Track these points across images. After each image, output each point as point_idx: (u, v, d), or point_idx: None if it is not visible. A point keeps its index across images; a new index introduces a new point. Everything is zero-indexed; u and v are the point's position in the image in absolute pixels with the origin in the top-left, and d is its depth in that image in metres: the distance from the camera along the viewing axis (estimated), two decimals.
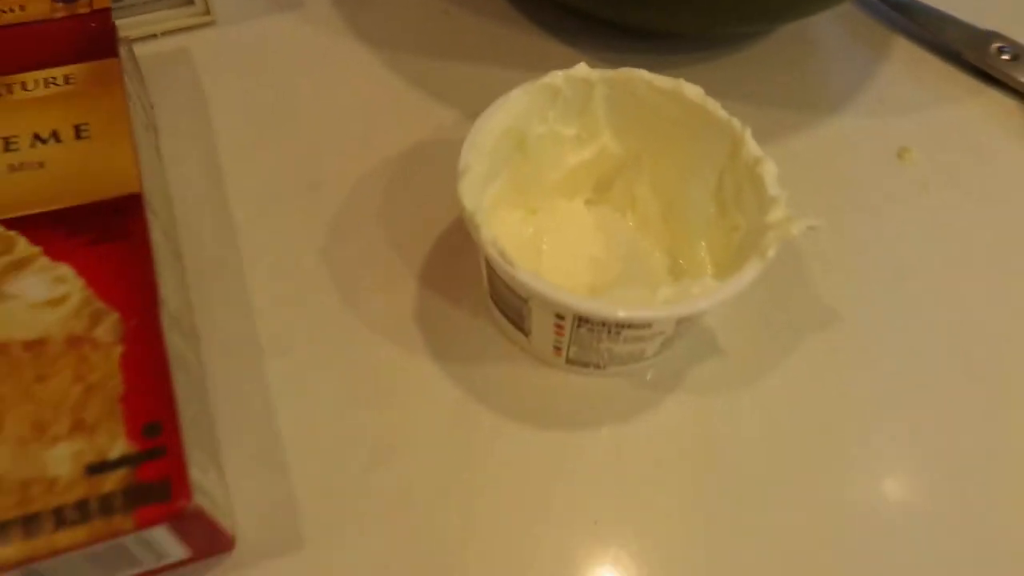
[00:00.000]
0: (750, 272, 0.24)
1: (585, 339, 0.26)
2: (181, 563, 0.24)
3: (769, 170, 0.27)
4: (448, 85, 0.37)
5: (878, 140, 0.37)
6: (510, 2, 0.41)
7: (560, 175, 0.31)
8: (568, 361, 0.28)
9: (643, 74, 0.29)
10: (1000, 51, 0.39)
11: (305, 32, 0.39)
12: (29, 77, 0.29)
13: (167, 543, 0.22)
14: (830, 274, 0.32)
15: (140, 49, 0.37)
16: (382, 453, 0.27)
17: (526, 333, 0.28)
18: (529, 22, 0.40)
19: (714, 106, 0.29)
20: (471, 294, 0.31)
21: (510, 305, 0.27)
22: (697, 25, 0.36)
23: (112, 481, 0.21)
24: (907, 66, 0.40)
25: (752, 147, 0.27)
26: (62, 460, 0.21)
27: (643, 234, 0.31)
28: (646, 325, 0.25)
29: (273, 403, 0.28)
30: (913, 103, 0.38)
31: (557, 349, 0.28)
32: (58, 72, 0.29)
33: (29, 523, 0.20)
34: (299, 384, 0.28)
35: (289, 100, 0.36)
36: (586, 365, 0.28)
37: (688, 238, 0.30)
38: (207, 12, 0.38)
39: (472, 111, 0.36)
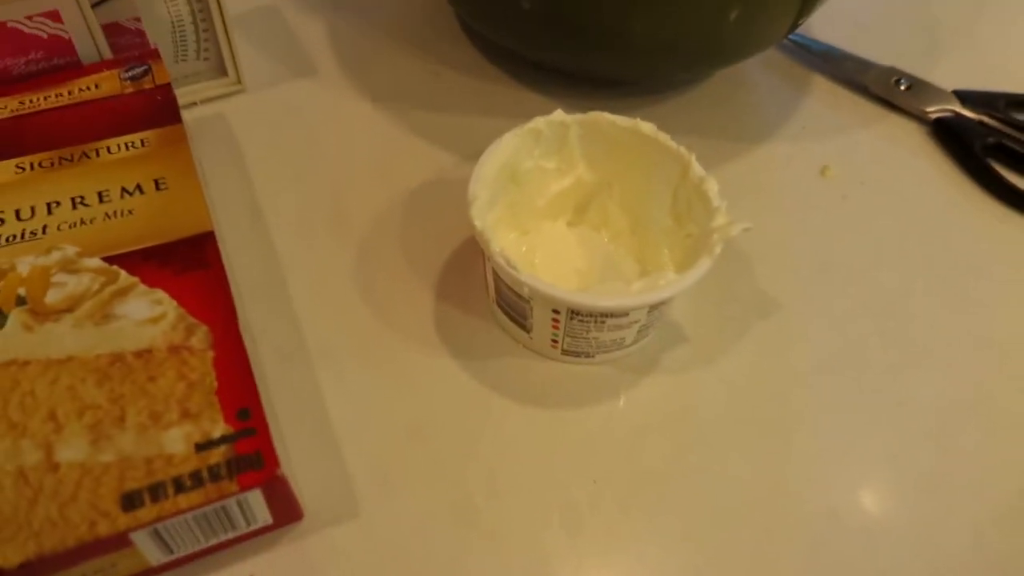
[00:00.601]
0: (703, 266, 0.31)
1: (577, 330, 0.33)
2: (264, 529, 0.30)
3: (712, 186, 0.34)
4: (443, 133, 0.44)
5: (803, 160, 0.44)
6: (490, 61, 0.48)
7: (545, 201, 0.38)
8: (564, 352, 0.34)
9: (607, 116, 0.36)
10: (898, 83, 0.47)
11: (321, 94, 0.46)
12: (112, 143, 0.35)
13: (258, 508, 0.28)
14: (770, 271, 0.39)
15: (184, 115, 0.44)
16: (416, 434, 0.33)
17: (528, 330, 0.34)
18: (507, 77, 0.47)
19: (665, 138, 0.35)
20: (478, 303, 0.37)
21: (514, 307, 0.34)
22: (645, 70, 0.43)
23: (217, 455, 0.27)
24: (824, 99, 0.48)
25: (697, 169, 0.34)
26: (176, 440, 0.27)
27: (616, 246, 0.38)
28: (625, 313, 0.31)
29: (323, 397, 0.34)
30: (831, 129, 0.46)
31: (554, 342, 0.34)
32: (135, 137, 0.36)
33: (155, 490, 0.26)
34: (343, 381, 0.34)
35: (312, 150, 0.43)
36: (578, 355, 0.34)
37: (652, 246, 0.37)
38: (238, 82, 0.45)
39: (467, 154, 0.43)
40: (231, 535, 0.29)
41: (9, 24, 0.38)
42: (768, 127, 0.46)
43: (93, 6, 0.39)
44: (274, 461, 0.27)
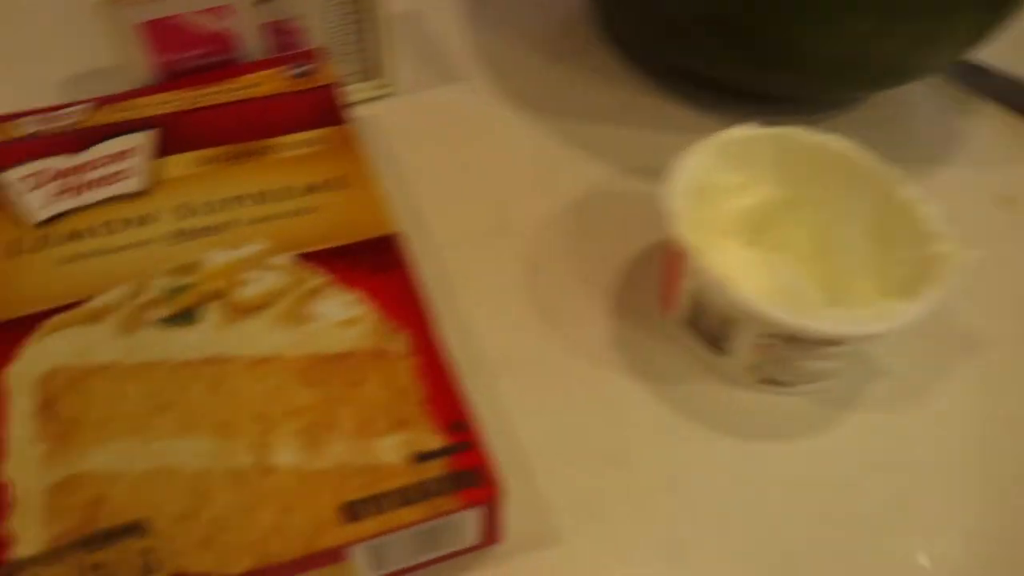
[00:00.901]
0: (933, 295, 0.29)
1: (786, 357, 0.31)
2: (467, 550, 0.28)
3: (929, 209, 0.32)
4: (598, 145, 0.43)
5: (977, 189, 0.42)
6: (634, 73, 0.47)
7: (725, 218, 0.36)
8: (761, 380, 0.33)
9: (799, 131, 0.35)
10: None
11: (470, 101, 0.45)
12: (286, 140, 0.34)
13: (469, 527, 0.26)
14: (965, 304, 0.37)
15: None
16: (611, 460, 0.31)
17: (723, 354, 0.32)
18: (655, 89, 0.46)
19: (862, 156, 0.34)
20: (656, 322, 0.35)
21: (712, 328, 0.32)
22: (813, 89, 0.41)
23: (435, 468, 0.25)
24: (995, 126, 0.46)
25: (909, 189, 0.32)
26: (390, 450, 0.26)
27: (798, 270, 0.36)
28: (843, 342, 0.29)
29: (509, 413, 0.32)
30: (1006, 159, 0.44)
31: (752, 368, 0.32)
32: (308, 136, 0.34)
33: (377, 502, 0.25)
34: (527, 399, 0.33)
35: (468, 157, 0.42)
36: (776, 384, 0.33)
37: (842, 272, 0.35)
38: (390, 84, 0.44)
39: (625, 167, 0.42)
40: (436, 554, 0.27)
41: (179, 18, 0.37)
42: (934, 153, 0.44)
43: (257, 3, 0.38)
44: (494, 479, 0.25)
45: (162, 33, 0.37)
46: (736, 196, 0.36)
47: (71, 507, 0.24)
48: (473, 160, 0.42)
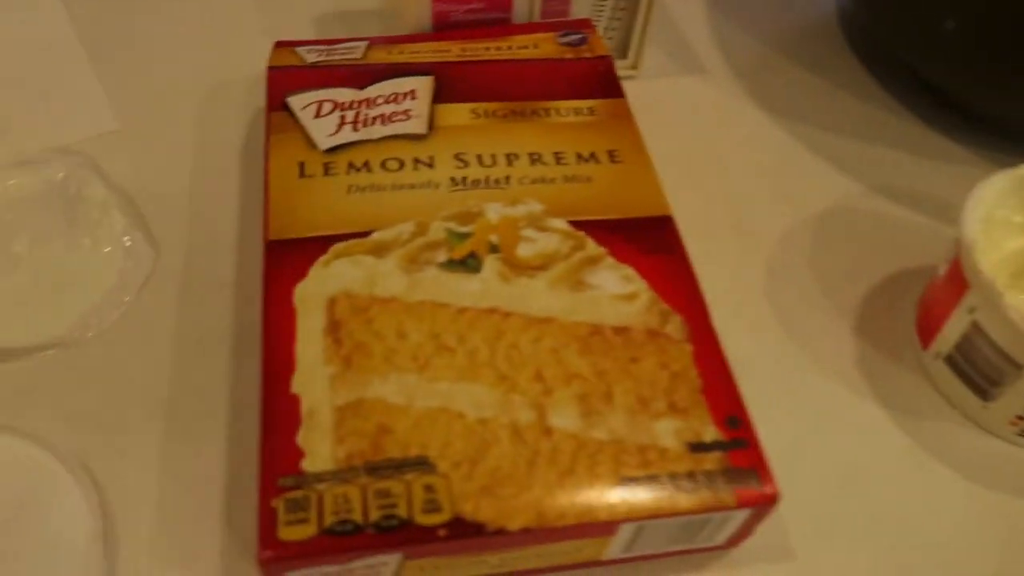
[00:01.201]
0: None
1: None
2: (707, 549, 0.27)
3: None
4: (843, 158, 0.41)
5: None
6: (883, 88, 0.45)
7: (994, 258, 0.34)
8: (1022, 434, 0.31)
9: None
10: None
11: (712, 95, 0.43)
12: (561, 105, 0.34)
13: (729, 526, 0.25)
14: None
15: None
16: (850, 484, 0.30)
17: (987, 398, 0.31)
18: (903, 108, 0.44)
19: None
20: (906, 351, 0.34)
21: (980, 369, 0.30)
22: None
23: (711, 461, 0.25)
24: None
25: None
26: (667, 434, 0.25)
27: None
28: None
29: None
30: None
31: (1019, 420, 0.30)
32: (583, 104, 0.34)
33: (653, 483, 0.24)
34: (763, 405, 0.32)
35: (707, 151, 0.41)
36: None
37: None
38: (635, 67, 0.43)
39: (872, 184, 0.40)
40: (685, 547, 0.26)
41: None
42: None
43: None
44: (771, 482, 0.25)
45: None
46: (1014, 236, 0.34)
47: (358, 431, 0.24)
48: (713, 154, 0.41)
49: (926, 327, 0.33)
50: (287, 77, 0.34)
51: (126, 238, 0.34)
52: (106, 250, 0.33)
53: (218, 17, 0.45)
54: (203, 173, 0.37)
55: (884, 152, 0.42)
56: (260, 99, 0.41)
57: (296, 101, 0.33)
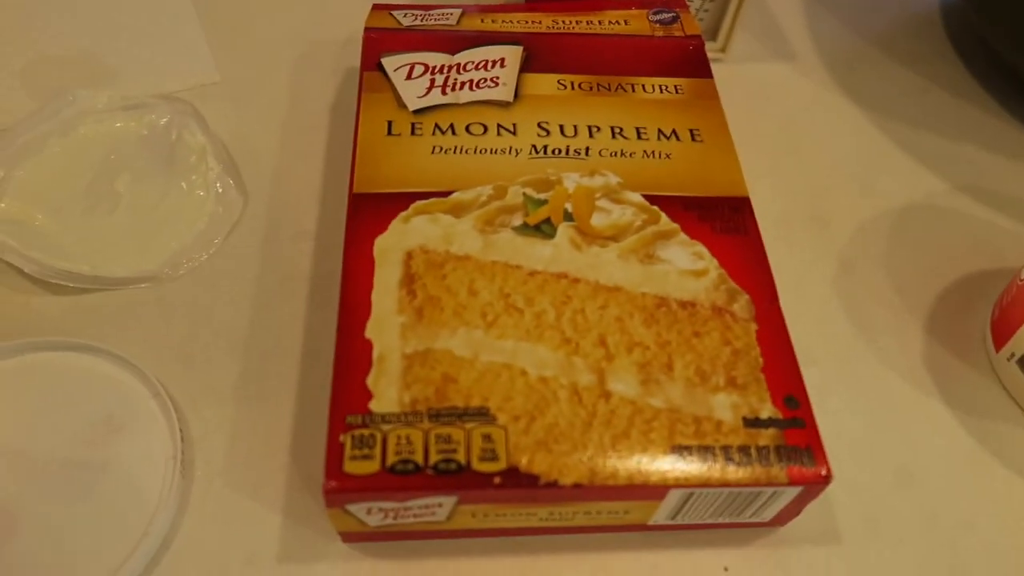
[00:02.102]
0: None
1: None
2: (754, 524, 0.27)
3: None
4: (932, 156, 0.40)
5: None
6: (984, 87, 0.44)
7: None
8: None
9: None
10: None
11: (800, 83, 0.43)
12: (646, 81, 0.34)
13: (778, 504, 0.26)
14: None
15: None
16: (904, 478, 0.30)
17: None
18: (1003, 110, 0.43)
19: None
20: (977, 353, 0.33)
21: None
22: None
23: (766, 437, 0.25)
24: None
25: None
26: (723, 407, 0.25)
27: None
28: None
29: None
30: None
31: None
32: (669, 82, 0.34)
33: (705, 453, 0.25)
34: (828, 395, 0.32)
35: (789, 138, 0.40)
36: None
37: None
38: (723, 49, 0.43)
39: (959, 184, 0.39)
40: (732, 520, 0.27)
41: None
42: None
43: None
44: (824, 462, 0.25)
45: None
46: None
47: (425, 379, 0.25)
48: (794, 143, 0.40)
49: (1002, 328, 0.32)
50: (382, 39, 0.35)
51: (218, 184, 0.36)
52: (200, 194, 0.35)
53: None
54: (294, 127, 0.39)
55: (975, 152, 0.41)
56: (352, 60, 0.42)
57: (389, 62, 0.34)
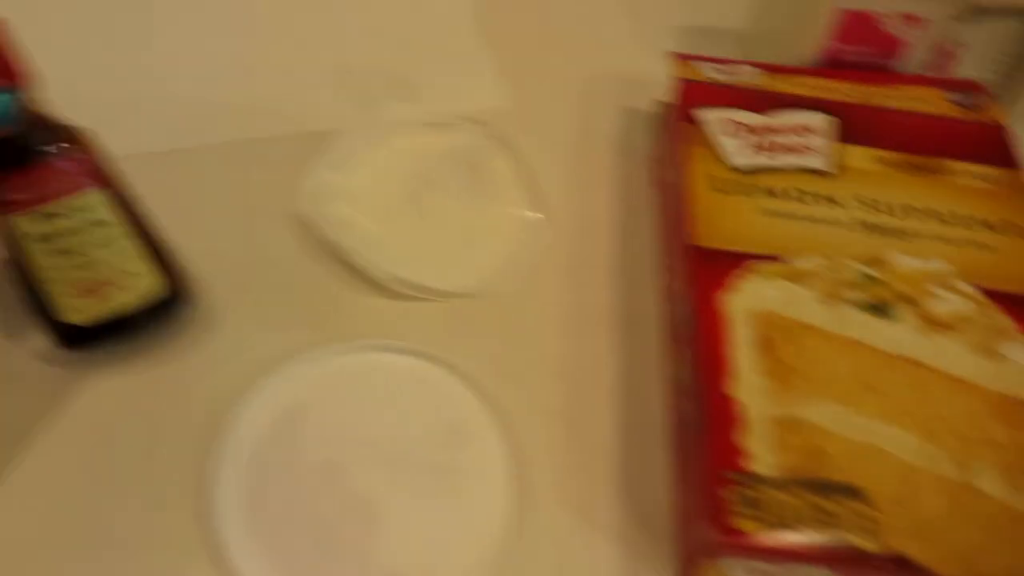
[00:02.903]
0: None
1: None
2: None
3: None
4: None
5: None
6: None
7: None
8: None
9: None
10: None
11: None
12: (958, 166, 0.35)
13: None
14: None
15: None
16: None
17: None
18: None
19: None
20: None
21: None
22: None
23: None
24: None
25: None
26: None
27: None
28: None
29: None
30: None
31: None
32: (981, 169, 0.35)
33: None
34: None
35: None
36: None
37: None
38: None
39: None
40: None
41: (869, 13, 0.38)
42: None
43: (952, 20, 0.38)
44: None
45: (850, 22, 0.38)
46: None
47: (795, 446, 0.26)
48: None
49: None
50: (695, 91, 0.36)
51: (524, 210, 0.37)
52: (507, 217, 0.36)
53: (590, 16, 0.47)
54: (583, 161, 0.40)
55: None
56: (632, 99, 0.43)
57: (706, 115, 0.35)
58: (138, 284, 0.30)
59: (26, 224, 0.28)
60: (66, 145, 0.27)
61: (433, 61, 0.43)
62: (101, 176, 0.28)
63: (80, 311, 0.29)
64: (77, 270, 0.29)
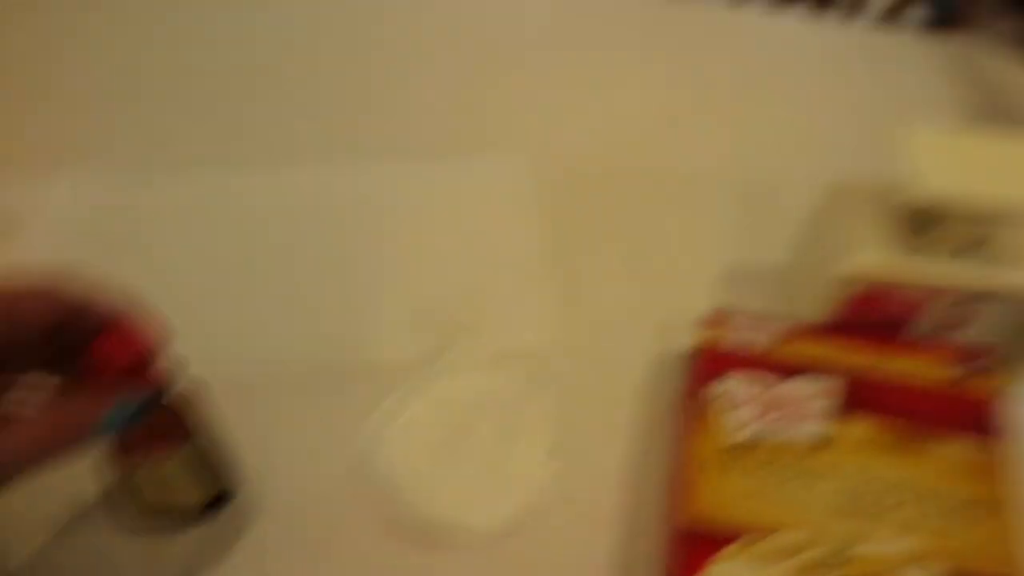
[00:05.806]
0: None
1: None
2: None
3: None
4: None
5: None
6: None
7: None
8: None
9: None
10: None
11: None
12: (944, 442, 0.38)
13: None
14: None
15: None
16: None
17: None
18: None
19: None
20: None
21: None
22: None
23: None
24: None
25: None
26: None
27: None
28: None
29: None
30: None
31: None
32: (965, 445, 0.38)
33: None
34: None
35: None
36: None
37: None
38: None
39: None
40: None
41: (893, 288, 0.41)
42: None
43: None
44: None
45: (870, 295, 0.41)
46: None
47: None
48: None
49: None
50: (707, 366, 0.41)
51: (550, 460, 0.42)
52: (533, 463, 0.42)
53: (649, 251, 0.52)
54: (611, 406, 0.44)
55: None
56: (668, 345, 0.46)
57: (716, 388, 0.40)
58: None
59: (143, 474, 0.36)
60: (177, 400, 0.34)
61: (487, 300, 0.49)
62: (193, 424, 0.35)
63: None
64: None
